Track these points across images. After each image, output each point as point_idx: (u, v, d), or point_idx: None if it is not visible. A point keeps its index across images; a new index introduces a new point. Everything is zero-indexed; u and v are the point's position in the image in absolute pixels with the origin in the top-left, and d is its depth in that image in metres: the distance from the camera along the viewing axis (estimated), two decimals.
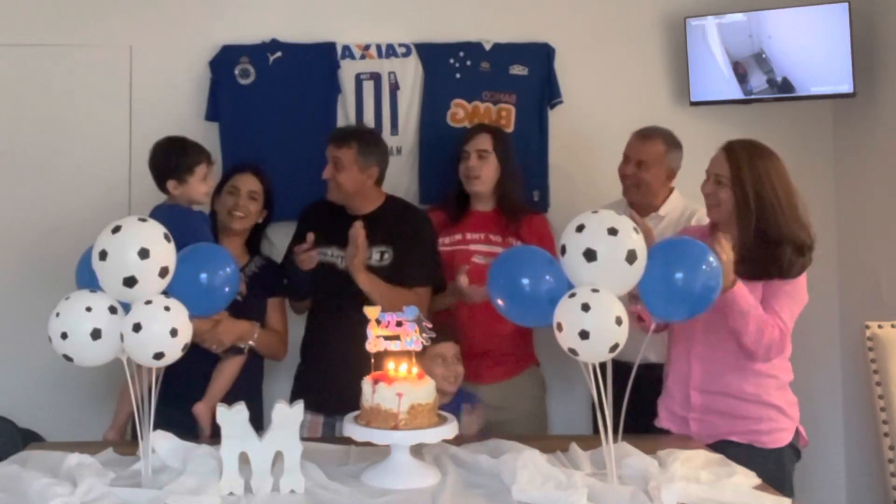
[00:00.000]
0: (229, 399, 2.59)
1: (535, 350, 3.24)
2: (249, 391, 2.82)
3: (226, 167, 3.32)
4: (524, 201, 3.30)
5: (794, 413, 2.57)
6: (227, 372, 2.77)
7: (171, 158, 2.68)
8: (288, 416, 2.05)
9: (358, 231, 2.79)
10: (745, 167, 2.48)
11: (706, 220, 2.98)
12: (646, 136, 3.09)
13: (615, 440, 2.12)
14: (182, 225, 2.36)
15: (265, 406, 2.90)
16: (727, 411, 2.51)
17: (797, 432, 2.57)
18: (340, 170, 2.95)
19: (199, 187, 2.68)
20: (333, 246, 2.95)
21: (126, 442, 2.60)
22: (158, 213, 2.56)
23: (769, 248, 2.44)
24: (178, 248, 2.14)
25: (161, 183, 2.70)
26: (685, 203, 3.12)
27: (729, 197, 2.50)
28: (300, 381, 3.07)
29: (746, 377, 2.51)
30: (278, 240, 3.24)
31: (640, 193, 3.09)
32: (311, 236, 2.85)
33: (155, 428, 2.15)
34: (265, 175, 3.06)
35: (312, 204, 3.14)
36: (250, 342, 2.82)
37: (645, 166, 3.06)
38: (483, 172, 3.13)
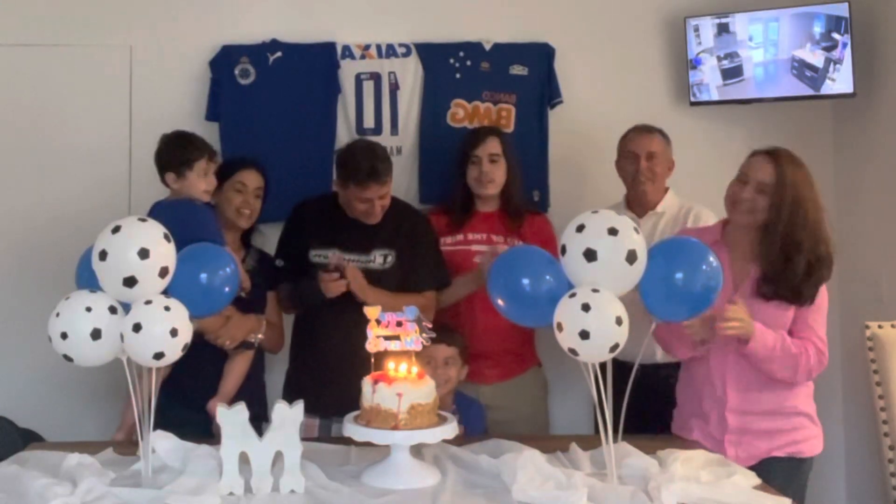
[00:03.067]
0: (238, 392, 2.60)
1: (537, 351, 3.23)
2: (254, 384, 2.83)
3: None
4: (526, 201, 3.31)
5: (818, 420, 2.56)
6: (238, 367, 2.77)
7: (173, 151, 2.66)
8: (288, 416, 2.05)
9: (342, 266, 2.80)
10: (788, 180, 2.41)
11: (704, 218, 2.98)
12: (647, 129, 3.10)
13: (615, 440, 2.12)
14: (190, 220, 2.35)
15: (269, 397, 2.91)
16: (766, 428, 2.47)
17: None
18: (386, 199, 2.89)
19: (197, 183, 2.64)
20: (334, 247, 2.93)
21: (126, 442, 2.60)
22: (161, 209, 2.55)
23: (799, 265, 2.40)
24: (187, 243, 2.13)
25: (162, 175, 2.68)
26: (680, 201, 3.12)
27: (767, 206, 2.42)
28: (293, 384, 3.00)
29: (784, 393, 2.48)
30: (274, 235, 3.17)
31: (654, 187, 3.07)
32: (334, 258, 2.84)
33: (167, 428, 2.15)
34: (265, 170, 3.02)
35: (306, 201, 3.09)
36: (259, 335, 2.82)
37: (656, 159, 3.06)
38: (496, 176, 3.14)
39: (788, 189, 2.40)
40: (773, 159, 2.44)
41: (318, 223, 3.00)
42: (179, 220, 2.15)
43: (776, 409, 2.47)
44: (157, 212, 2.49)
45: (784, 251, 2.40)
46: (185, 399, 2.63)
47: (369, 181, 2.80)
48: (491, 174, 3.12)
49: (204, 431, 2.47)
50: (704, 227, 2.81)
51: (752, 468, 2.36)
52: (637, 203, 3.11)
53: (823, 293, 2.50)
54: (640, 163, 3.06)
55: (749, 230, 2.48)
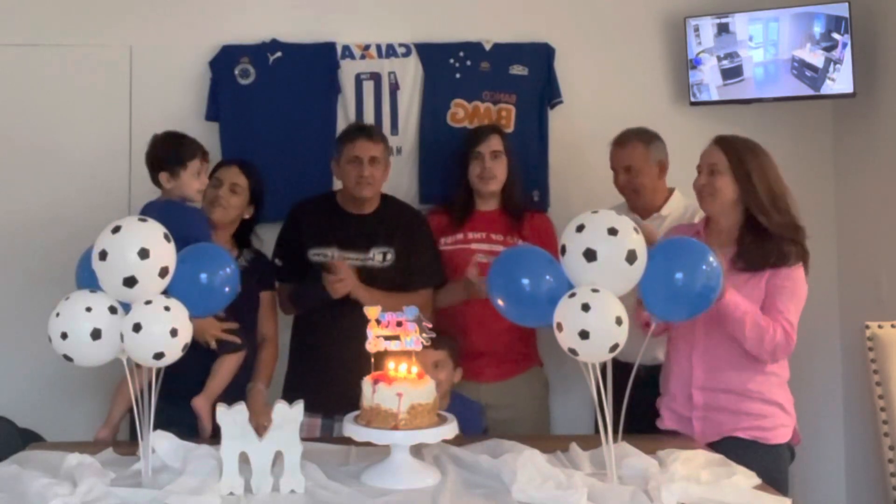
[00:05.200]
0: (225, 392, 2.58)
1: (538, 350, 3.23)
2: (244, 386, 2.80)
3: None
4: (526, 200, 3.31)
5: (793, 411, 2.59)
6: (225, 367, 2.75)
7: (166, 151, 2.64)
8: (288, 415, 2.05)
9: (338, 266, 2.82)
10: (740, 155, 2.54)
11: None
12: (622, 141, 3.12)
13: (615, 440, 2.12)
14: (179, 222, 2.34)
15: (269, 397, 2.88)
16: (731, 408, 2.51)
17: (794, 430, 2.59)
18: (377, 166, 2.93)
19: (191, 182, 2.62)
20: (333, 246, 2.94)
21: (125, 442, 2.60)
22: (152, 209, 2.53)
23: (767, 235, 2.49)
24: (175, 243, 2.12)
25: (154, 176, 2.65)
26: (687, 202, 3.12)
27: (728, 184, 2.54)
28: (294, 383, 2.98)
29: (749, 374, 2.51)
30: (271, 235, 3.15)
31: (641, 198, 3.09)
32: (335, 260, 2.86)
33: (155, 427, 2.15)
34: (252, 170, 2.95)
35: (303, 201, 3.10)
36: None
37: (634, 171, 3.07)
38: (498, 172, 3.15)
39: (746, 169, 2.52)
40: (716, 143, 2.61)
41: (316, 222, 3.00)
42: (169, 220, 2.14)
43: (741, 389, 2.51)
44: (148, 213, 2.48)
45: (763, 230, 2.49)
46: (173, 397, 2.61)
47: (359, 135, 2.93)
48: (493, 170, 3.14)
49: (190, 431, 2.45)
50: (690, 223, 2.83)
51: (715, 444, 2.43)
52: (638, 206, 3.11)
53: (799, 279, 2.51)
54: (619, 177, 3.11)
55: (726, 215, 2.57)
